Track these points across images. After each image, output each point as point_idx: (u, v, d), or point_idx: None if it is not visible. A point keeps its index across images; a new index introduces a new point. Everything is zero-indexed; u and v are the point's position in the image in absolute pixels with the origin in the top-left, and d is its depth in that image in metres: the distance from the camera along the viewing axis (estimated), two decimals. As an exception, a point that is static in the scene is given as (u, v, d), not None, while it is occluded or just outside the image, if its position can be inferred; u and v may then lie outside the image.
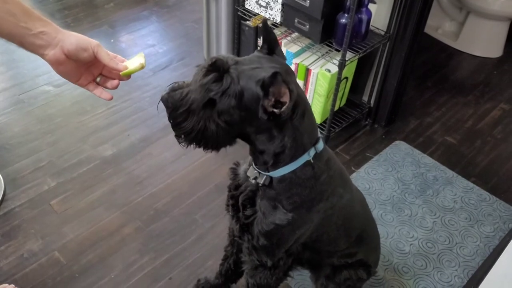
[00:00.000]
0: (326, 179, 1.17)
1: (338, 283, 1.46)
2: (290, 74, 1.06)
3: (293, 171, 1.12)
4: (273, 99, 0.99)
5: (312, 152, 1.12)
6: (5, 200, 2.02)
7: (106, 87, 1.12)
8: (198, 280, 1.73)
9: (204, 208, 2.05)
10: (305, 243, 1.33)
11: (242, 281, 1.60)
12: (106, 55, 1.04)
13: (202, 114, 1.00)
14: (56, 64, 1.02)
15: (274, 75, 0.94)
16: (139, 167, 2.22)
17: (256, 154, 1.13)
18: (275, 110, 0.99)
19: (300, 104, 1.05)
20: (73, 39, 1.00)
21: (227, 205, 1.31)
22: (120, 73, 1.07)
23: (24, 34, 0.97)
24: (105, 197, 2.08)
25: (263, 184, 1.15)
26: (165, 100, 1.02)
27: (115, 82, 1.11)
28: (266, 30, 1.08)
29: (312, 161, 1.12)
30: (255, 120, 1.02)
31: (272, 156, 1.10)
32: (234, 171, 1.32)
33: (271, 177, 1.14)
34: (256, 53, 1.08)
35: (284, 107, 0.98)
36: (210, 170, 2.23)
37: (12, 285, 1.68)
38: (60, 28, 1.01)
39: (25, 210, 1.99)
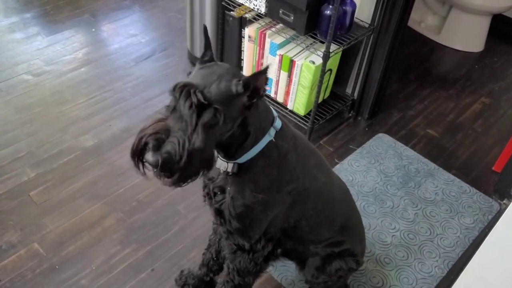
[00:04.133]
0: (293, 157, 1.19)
1: (329, 274, 1.47)
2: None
3: (258, 153, 1.14)
4: (249, 92, 1.02)
5: (272, 131, 1.14)
6: (-17, 191, 1.98)
7: None
8: (181, 271, 1.72)
9: (187, 200, 2.04)
10: (285, 229, 1.34)
11: (223, 273, 1.60)
12: None
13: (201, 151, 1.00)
14: None
15: (264, 71, 0.99)
16: (120, 158, 2.19)
17: (223, 149, 1.15)
18: (253, 101, 1.04)
19: None
20: None
21: (203, 196, 1.34)
22: None
23: None
24: (86, 188, 2.05)
25: (233, 172, 1.17)
26: (158, 165, 0.96)
27: None
28: (207, 36, 1.09)
29: (274, 140, 1.14)
30: (241, 124, 1.07)
31: (236, 148, 1.13)
32: None
33: (239, 164, 1.16)
34: (199, 66, 1.07)
35: (262, 91, 1.03)
36: (193, 162, 2.21)
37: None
38: None
39: (4, 201, 1.95)
